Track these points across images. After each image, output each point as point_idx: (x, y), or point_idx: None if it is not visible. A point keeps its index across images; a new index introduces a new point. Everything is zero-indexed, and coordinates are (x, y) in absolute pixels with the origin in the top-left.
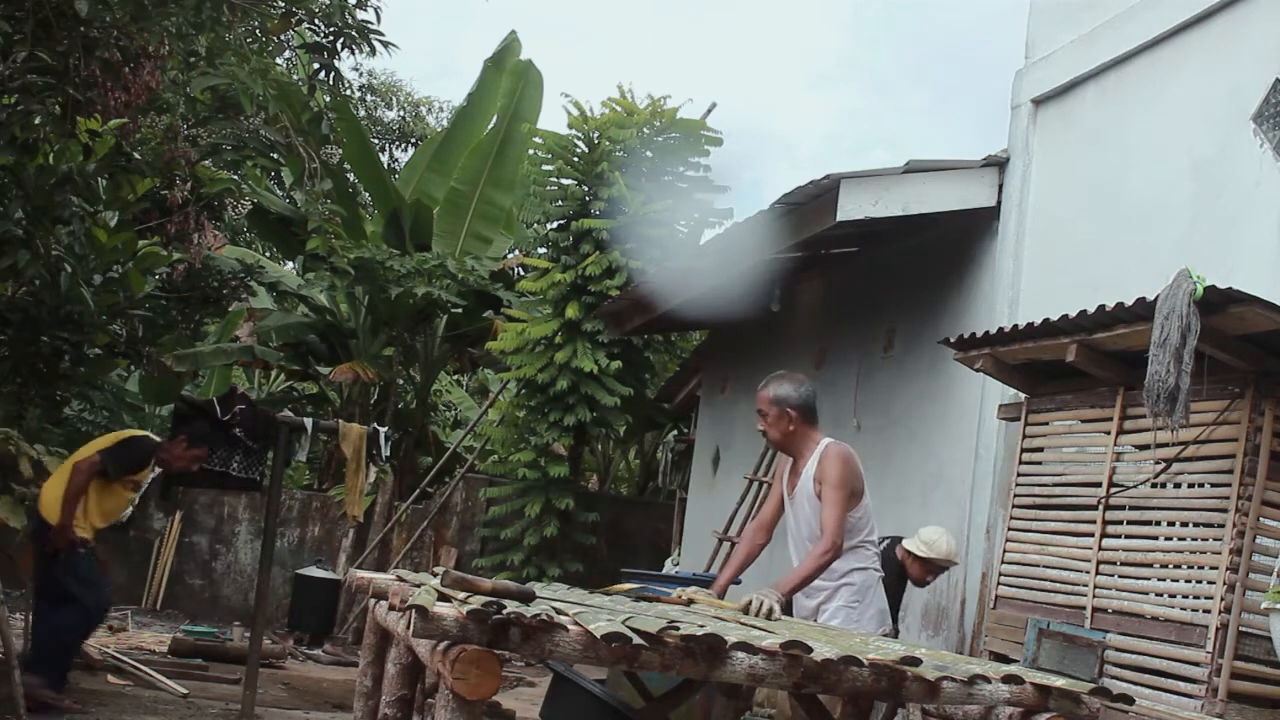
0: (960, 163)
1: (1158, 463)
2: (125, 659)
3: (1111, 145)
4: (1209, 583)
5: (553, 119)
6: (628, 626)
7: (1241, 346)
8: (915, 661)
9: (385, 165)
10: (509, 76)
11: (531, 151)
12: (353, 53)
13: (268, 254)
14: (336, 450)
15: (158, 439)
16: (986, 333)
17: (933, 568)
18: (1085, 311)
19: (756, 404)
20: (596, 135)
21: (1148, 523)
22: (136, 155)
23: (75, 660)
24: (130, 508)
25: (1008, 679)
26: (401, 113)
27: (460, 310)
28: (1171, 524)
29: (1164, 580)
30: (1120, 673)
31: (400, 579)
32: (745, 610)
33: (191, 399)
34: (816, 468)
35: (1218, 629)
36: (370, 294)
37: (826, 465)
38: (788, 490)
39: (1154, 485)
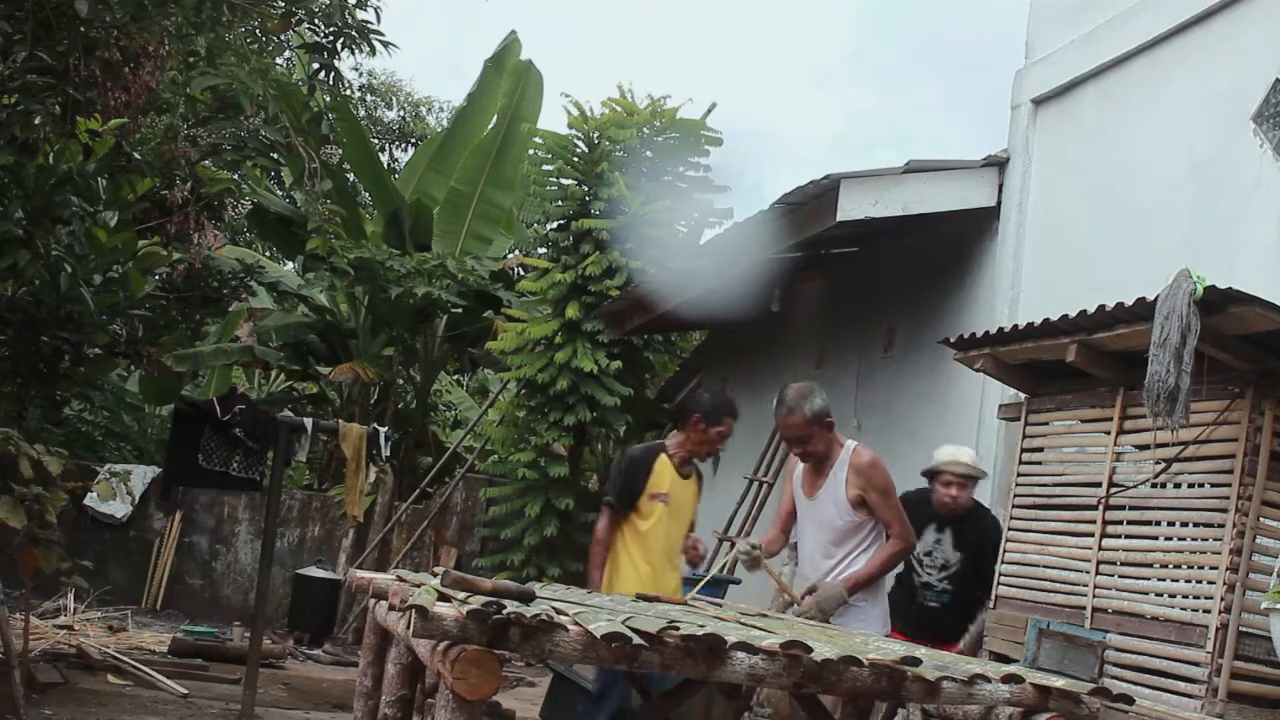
0: (960, 163)
1: (1158, 463)
2: (125, 659)
3: (1111, 145)
4: (1209, 583)
5: (553, 119)
6: (628, 626)
7: (1241, 346)
8: (915, 661)
9: (385, 165)
10: (509, 76)
11: (531, 151)
12: (353, 53)
13: (268, 254)
14: (336, 450)
15: (652, 443)
16: (986, 333)
17: (941, 480)
18: (1085, 311)
19: (788, 431)
20: (596, 135)
21: (1148, 523)
22: (136, 155)
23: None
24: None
25: (1008, 679)
26: (401, 113)
27: (460, 310)
28: (1171, 524)
29: (1164, 580)
30: (1120, 673)
31: (400, 579)
32: (801, 599)
33: (191, 399)
34: (850, 473)
35: (1218, 629)
36: (370, 294)
37: (871, 475)
38: (807, 491)
39: (1154, 485)
